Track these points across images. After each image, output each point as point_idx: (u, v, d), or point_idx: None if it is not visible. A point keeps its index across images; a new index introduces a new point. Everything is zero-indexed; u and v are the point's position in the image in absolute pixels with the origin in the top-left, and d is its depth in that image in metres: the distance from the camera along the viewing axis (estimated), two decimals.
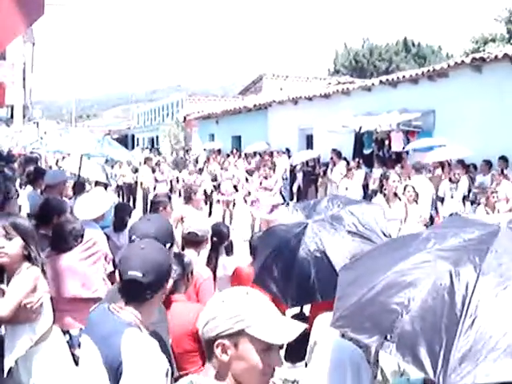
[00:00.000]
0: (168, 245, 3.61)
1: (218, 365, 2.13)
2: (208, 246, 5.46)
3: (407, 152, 16.06)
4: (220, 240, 5.93)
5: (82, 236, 5.14)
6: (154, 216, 4.25)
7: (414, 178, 12.64)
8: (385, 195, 8.35)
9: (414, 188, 9.40)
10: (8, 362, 3.55)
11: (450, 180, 12.86)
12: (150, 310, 2.75)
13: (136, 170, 21.16)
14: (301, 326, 2.18)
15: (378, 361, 2.74)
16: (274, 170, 17.81)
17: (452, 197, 12.61)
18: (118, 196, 19.79)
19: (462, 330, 1.94)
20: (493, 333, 1.93)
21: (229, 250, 6.42)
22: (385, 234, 4.34)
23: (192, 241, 5.03)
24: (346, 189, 16.36)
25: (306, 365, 3.53)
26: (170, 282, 2.83)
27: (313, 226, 4.32)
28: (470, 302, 2.01)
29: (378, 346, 2.17)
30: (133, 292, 2.68)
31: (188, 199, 8.32)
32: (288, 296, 4.13)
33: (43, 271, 3.72)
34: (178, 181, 21.38)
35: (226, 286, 4.78)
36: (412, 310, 2.12)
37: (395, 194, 8.36)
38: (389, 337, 2.10)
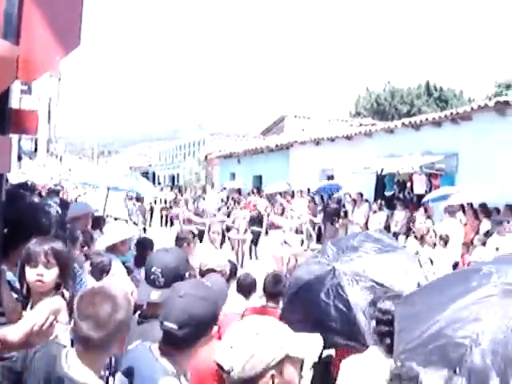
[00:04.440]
0: (187, 274, 3.60)
1: None
2: None
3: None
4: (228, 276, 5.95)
5: (109, 271, 5.15)
6: (170, 247, 4.23)
7: (446, 220, 12.56)
8: (416, 237, 8.34)
9: (435, 232, 9.34)
10: None
11: None
12: (188, 356, 2.71)
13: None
14: (316, 336, 2.27)
15: None
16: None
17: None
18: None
19: None
20: None
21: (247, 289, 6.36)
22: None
23: (203, 276, 5.00)
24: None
25: None
26: (215, 328, 2.72)
27: (339, 266, 4.29)
28: None
29: (446, 380, 2.14)
30: (170, 341, 2.64)
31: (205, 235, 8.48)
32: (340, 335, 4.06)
33: (70, 303, 3.68)
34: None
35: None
36: (482, 344, 2.12)
37: (421, 237, 8.33)
38: (458, 371, 2.09)
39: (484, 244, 12.55)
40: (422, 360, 2.28)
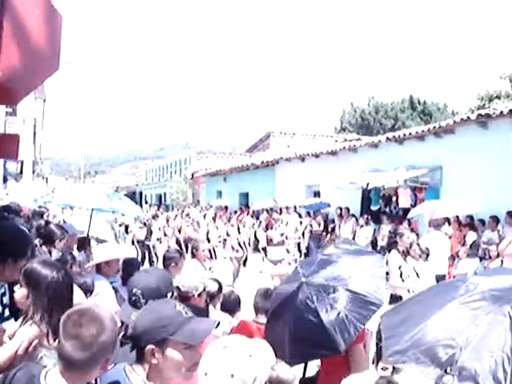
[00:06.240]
0: (169, 294, 3.62)
1: None
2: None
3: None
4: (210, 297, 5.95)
5: (92, 291, 5.15)
6: (151, 268, 4.26)
7: (432, 233, 12.63)
8: (399, 251, 8.32)
9: (419, 245, 9.38)
10: None
11: None
12: (156, 370, 2.61)
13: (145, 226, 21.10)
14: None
15: None
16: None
17: None
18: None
19: None
20: None
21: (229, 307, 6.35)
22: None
23: (179, 295, 4.99)
24: None
25: None
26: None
27: (307, 281, 4.35)
28: None
29: (436, 379, 2.23)
30: (133, 346, 2.65)
31: (192, 254, 8.41)
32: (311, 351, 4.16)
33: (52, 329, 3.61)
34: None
35: None
36: (471, 345, 2.22)
37: (406, 251, 8.32)
38: (449, 370, 2.18)
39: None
40: (412, 361, 2.35)
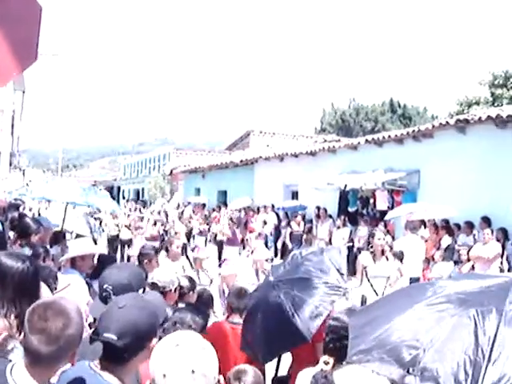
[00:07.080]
0: (140, 290, 3.62)
1: None
2: None
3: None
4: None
5: (56, 277, 5.12)
6: (123, 264, 4.26)
7: (408, 236, 12.70)
8: (371, 252, 8.32)
9: (391, 247, 9.42)
10: None
11: None
12: (129, 370, 2.66)
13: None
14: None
15: None
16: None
17: None
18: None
19: (489, 364, 2.07)
20: None
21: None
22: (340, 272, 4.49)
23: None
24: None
25: None
26: (155, 341, 2.64)
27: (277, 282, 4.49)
28: (494, 339, 2.15)
29: (399, 379, 2.24)
30: (110, 354, 2.58)
31: (166, 250, 8.42)
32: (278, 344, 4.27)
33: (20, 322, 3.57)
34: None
35: None
36: (435, 346, 2.23)
37: (382, 252, 8.31)
38: (411, 370, 2.19)
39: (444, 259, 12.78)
40: (376, 360, 2.36)
